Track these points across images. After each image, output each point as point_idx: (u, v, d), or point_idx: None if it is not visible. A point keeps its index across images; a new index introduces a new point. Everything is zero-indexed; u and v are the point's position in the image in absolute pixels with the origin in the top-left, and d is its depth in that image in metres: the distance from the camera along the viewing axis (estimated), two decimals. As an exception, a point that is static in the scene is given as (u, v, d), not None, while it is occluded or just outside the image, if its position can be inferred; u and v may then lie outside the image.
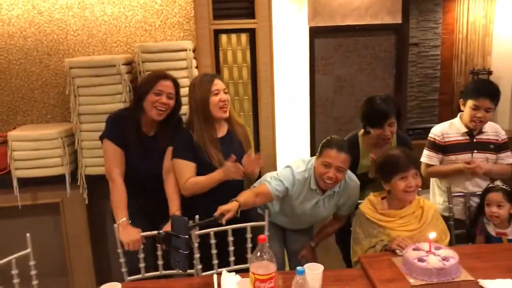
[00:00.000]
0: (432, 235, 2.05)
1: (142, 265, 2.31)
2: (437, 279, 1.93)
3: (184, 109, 2.61)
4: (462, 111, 2.70)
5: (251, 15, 2.97)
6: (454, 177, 2.71)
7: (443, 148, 2.69)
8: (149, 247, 2.38)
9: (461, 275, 1.97)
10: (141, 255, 2.30)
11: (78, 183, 2.91)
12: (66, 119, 3.15)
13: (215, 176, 2.40)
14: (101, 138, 2.49)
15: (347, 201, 2.55)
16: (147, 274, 2.31)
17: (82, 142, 2.88)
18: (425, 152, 2.75)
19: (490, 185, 2.47)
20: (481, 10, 5.72)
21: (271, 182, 2.45)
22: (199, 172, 2.44)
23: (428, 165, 2.74)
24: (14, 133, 2.86)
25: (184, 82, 2.82)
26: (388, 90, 3.08)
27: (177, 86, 2.49)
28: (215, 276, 1.99)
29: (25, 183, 2.88)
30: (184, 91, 2.61)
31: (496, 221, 2.40)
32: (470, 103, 2.60)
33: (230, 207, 2.20)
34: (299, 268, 1.73)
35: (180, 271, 2.08)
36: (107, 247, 3.29)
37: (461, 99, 2.68)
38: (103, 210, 3.18)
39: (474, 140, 2.66)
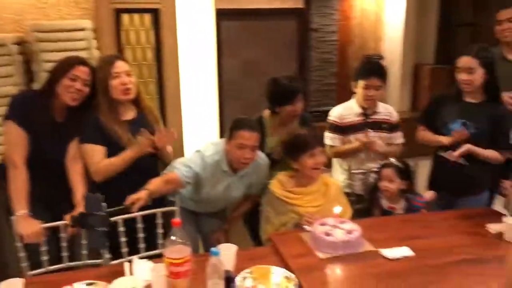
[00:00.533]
0: (338, 209, 2.17)
1: (45, 258, 2.18)
2: (343, 251, 2.05)
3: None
4: (355, 93, 2.86)
5: (154, -6, 2.88)
6: (354, 156, 2.87)
7: (342, 129, 2.84)
8: (52, 238, 2.24)
9: (364, 246, 2.11)
10: (44, 248, 2.17)
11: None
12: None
13: (128, 154, 2.34)
14: (5, 119, 2.27)
15: (258, 180, 2.60)
16: (51, 267, 2.19)
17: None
18: (327, 134, 2.88)
19: (385, 162, 2.65)
20: (373, -3, 6.07)
21: (180, 168, 2.42)
22: (110, 156, 2.36)
23: (331, 146, 2.88)
24: None
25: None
26: (292, 74, 3.14)
27: (94, 73, 2.35)
28: (126, 264, 1.93)
29: None
30: None
31: (387, 195, 2.59)
32: (361, 83, 2.76)
33: (140, 196, 2.16)
34: (213, 249, 1.74)
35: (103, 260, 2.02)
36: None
37: (353, 81, 2.84)
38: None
39: (369, 120, 2.83)
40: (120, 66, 2.35)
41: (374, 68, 2.83)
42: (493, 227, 2.26)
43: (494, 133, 2.48)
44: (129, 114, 2.45)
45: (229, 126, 2.45)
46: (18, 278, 1.79)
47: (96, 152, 2.35)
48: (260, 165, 2.57)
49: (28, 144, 2.27)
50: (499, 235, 2.20)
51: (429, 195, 2.66)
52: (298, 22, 3.37)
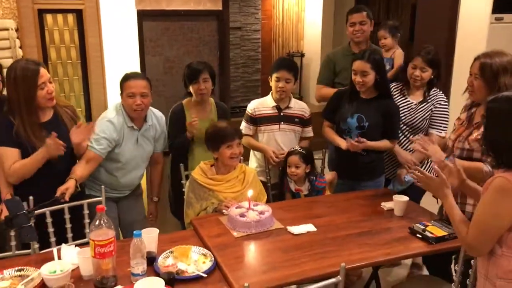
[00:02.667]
0: (250, 192, 2.43)
1: None
2: (255, 229, 2.31)
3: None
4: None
5: (77, -5, 2.99)
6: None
7: (255, 120, 3.10)
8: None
9: (274, 225, 2.38)
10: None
11: None
12: None
13: (38, 154, 2.39)
14: None
15: (161, 133, 2.87)
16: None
17: None
18: (243, 124, 3.14)
19: (290, 150, 2.94)
20: (293, -2, 6.42)
21: (93, 145, 2.59)
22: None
23: (245, 135, 3.12)
24: None
25: (8, 62, 2.74)
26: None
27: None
28: (54, 249, 2.06)
29: None
30: None
31: (295, 179, 2.88)
32: (273, 77, 3.03)
33: (68, 185, 2.30)
34: (136, 231, 1.93)
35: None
36: None
37: (269, 77, 3.11)
38: None
39: (281, 114, 3.11)
40: (44, 75, 2.40)
41: (283, 63, 3.13)
42: (386, 205, 2.62)
43: (385, 125, 2.84)
44: (46, 115, 2.52)
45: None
46: None
47: (9, 155, 2.39)
48: (159, 118, 2.86)
49: None
50: (391, 211, 2.57)
51: (330, 176, 2.98)
52: (218, 22, 3.58)
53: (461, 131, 2.38)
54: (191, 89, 2.95)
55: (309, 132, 3.21)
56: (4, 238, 2.40)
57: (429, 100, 2.93)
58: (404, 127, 2.97)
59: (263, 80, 6.18)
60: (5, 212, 2.14)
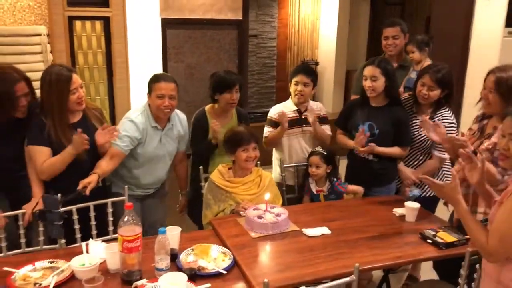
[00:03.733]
0: (267, 195, 2.54)
1: (3, 244, 2.39)
2: (272, 231, 2.42)
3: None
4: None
5: (105, 3, 3.14)
6: (287, 151, 3.26)
7: (276, 123, 3.21)
8: (11, 226, 2.46)
9: (290, 227, 2.49)
10: (2, 235, 2.38)
11: None
12: None
13: (66, 151, 2.52)
14: None
15: (183, 132, 3.01)
16: (9, 252, 2.40)
17: None
18: (265, 129, 3.27)
19: (312, 150, 3.06)
20: (309, 7, 6.54)
21: (117, 142, 2.71)
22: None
23: (265, 137, 3.25)
24: None
25: (39, 66, 2.90)
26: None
27: (29, 84, 2.56)
28: (83, 244, 2.19)
29: None
30: (38, 75, 2.67)
31: (316, 179, 3.00)
32: (292, 81, 3.17)
33: (90, 179, 2.44)
34: (161, 228, 2.05)
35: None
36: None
37: (289, 82, 3.24)
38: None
39: (303, 117, 3.22)
40: (76, 81, 2.54)
41: (301, 67, 3.31)
42: (397, 211, 2.71)
43: (396, 133, 2.93)
44: (76, 117, 2.66)
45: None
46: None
47: (41, 153, 2.53)
48: (181, 119, 3.00)
49: None
50: (402, 217, 2.66)
51: (356, 188, 3.05)
52: (237, 31, 3.71)
53: (472, 142, 2.47)
54: (220, 97, 3.05)
55: (327, 129, 3.31)
56: (33, 232, 2.53)
57: (434, 120, 2.79)
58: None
59: (278, 87, 6.30)
60: (40, 206, 2.29)
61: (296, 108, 3.22)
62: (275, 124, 3.22)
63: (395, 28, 3.50)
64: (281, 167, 3.23)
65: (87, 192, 2.40)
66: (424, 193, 2.98)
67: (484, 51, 4.46)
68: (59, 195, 2.28)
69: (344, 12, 6.30)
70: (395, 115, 2.92)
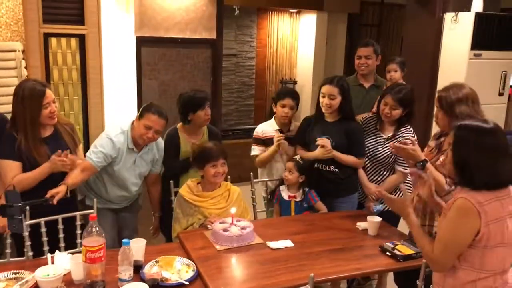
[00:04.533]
0: (233, 209, 2.61)
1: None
2: (237, 243, 2.48)
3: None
4: (275, 113, 3.37)
5: (81, 21, 3.22)
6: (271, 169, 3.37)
7: (263, 141, 3.33)
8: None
9: (254, 240, 2.55)
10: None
11: None
12: None
13: (44, 169, 2.57)
14: None
15: (159, 158, 3.08)
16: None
17: None
18: (252, 146, 3.37)
19: (292, 158, 3.17)
20: (288, 28, 6.70)
21: (91, 156, 2.79)
22: (26, 171, 2.59)
23: (256, 156, 3.34)
24: None
25: (13, 81, 2.96)
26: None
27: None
28: (49, 255, 2.23)
29: None
30: (12, 89, 2.70)
31: (288, 183, 3.09)
32: (279, 104, 3.29)
33: (59, 190, 2.49)
34: (124, 240, 2.10)
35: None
36: None
37: (273, 103, 3.36)
38: None
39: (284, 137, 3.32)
40: (49, 96, 2.60)
41: (288, 91, 3.50)
42: (361, 225, 2.80)
43: (350, 144, 3.05)
44: (47, 131, 2.70)
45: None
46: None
47: (11, 167, 2.57)
48: (158, 143, 3.06)
49: None
50: (365, 231, 2.74)
51: (321, 205, 3.12)
52: (211, 50, 3.81)
53: (430, 158, 2.58)
54: (194, 116, 3.11)
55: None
56: (1, 245, 2.55)
57: (397, 137, 2.97)
58: (370, 161, 3.11)
59: (256, 105, 6.41)
60: (2, 201, 2.32)
61: (278, 128, 3.33)
62: (263, 142, 3.32)
63: (368, 48, 3.64)
64: (251, 182, 3.31)
65: (55, 201, 2.44)
66: (388, 208, 3.06)
67: (452, 70, 4.64)
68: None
69: (321, 33, 6.45)
70: (348, 128, 3.06)
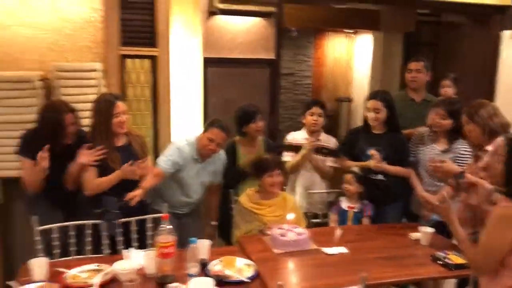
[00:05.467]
0: (290, 215, 2.79)
1: (57, 251, 2.73)
2: (294, 248, 2.65)
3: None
4: (304, 124, 3.57)
5: (153, 44, 3.55)
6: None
7: (294, 148, 3.52)
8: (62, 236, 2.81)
9: (310, 245, 2.71)
10: (56, 243, 2.73)
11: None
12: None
13: (115, 176, 2.89)
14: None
15: (220, 168, 3.31)
16: (61, 259, 2.73)
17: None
18: (284, 153, 3.57)
19: (349, 170, 3.34)
20: (344, 48, 6.87)
21: (161, 163, 3.08)
22: (99, 175, 2.92)
23: (287, 162, 3.51)
24: None
25: (93, 98, 3.31)
26: (264, 112, 3.77)
27: (75, 114, 2.98)
28: (124, 251, 2.51)
29: None
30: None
31: (348, 195, 3.24)
32: (307, 113, 3.51)
33: (136, 193, 2.76)
34: (192, 238, 2.33)
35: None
36: (15, 242, 3.58)
37: (302, 116, 3.58)
38: (18, 211, 3.51)
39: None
40: (120, 106, 2.94)
41: (316, 101, 3.75)
42: (413, 235, 2.89)
43: (397, 156, 3.18)
44: (120, 141, 3.02)
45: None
46: (43, 258, 2.36)
47: (89, 173, 2.90)
48: (221, 157, 3.31)
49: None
50: (418, 241, 2.83)
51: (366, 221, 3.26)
52: (270, 69, 4.05)
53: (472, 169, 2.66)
54: (247, 128, 3.37)
55: (330, 161, 3.56)
56: (82, 243, 2.86)
57: (452, 151, 3.10)
58: (426, 172, 3.18)
59: (312, 122, 6.57)
60: None
61: (307, 136, 3.51)
62: (290, 147, 3.53)
63: (419, 63, 3.76)
64: (307, 193, 3.47)
65: (133, 203, 2.72)
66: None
67: (511, 89, 4.61)
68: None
69: (377, 52, 6.56)
70: (395, 140, 3.20)
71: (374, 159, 3.15)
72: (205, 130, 3.14)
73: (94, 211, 2.63)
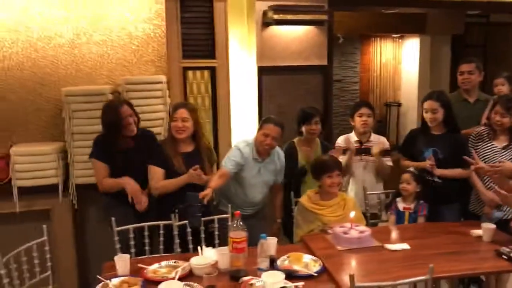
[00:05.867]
0: (352, 213, 2.89)
1: (132, 250, 2.93)
2: (356, 245, 2.74)
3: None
4: (354, 126, 3.71)
5: (212, 56, 3.76)
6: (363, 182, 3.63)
7: (344, 151, 3.63)
8: (138, 236, 3.02)
9: (373, 243, 2.80)
10: (132, 242, 2.94)
11: (70, 191, 3.50)
12: (55, 138, 3.69)
13: (181, 180, 3.12)
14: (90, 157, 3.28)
15: (280, 167, 3.45)
16: (137, 257, 2.92)
17: (74, 156, 3.48)
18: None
19: (406, 170, 3.40)
20: (391, 52, 6.91)
21: (226, 164, 3.24)
22: (166, 176, 3.17)
23: None
24: (16, 149, 3.41)
25: (160, 108, 3.55)
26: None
27: (131, 106, 3.23)
28: (199, 248, 2.68)
29: (22, 192, 3.42)
30: (160, 115, 3.48)
31: (406, 195, 3.29)
32: (356, 115, 3.64)
33: (206, 192, 2.92)
34: (262, 234, 2.48)
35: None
36: (88, 248, 3.85)
37: (350, 118, 3.72)
38: (91, 215, 3.80)
39: (363, 147, 3.63)
40: (180, 113, 3.18)
41: (363, 102, 3.97)
42: (475, 232, 2.92)
43: (456, 157, 3.18)
44: (188, 147, 3.26)
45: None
46: (126, 255, 2.57)
47: (157, 174, 3.15)
48: (280, 155, 3.46)
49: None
50: (479, 238, 2.87)
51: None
52: (322, 75, 4.17)
53: None
54: (303, 128, 3.55)
55: (388, 161, 3.66)
56: (154, 243, 3.06)
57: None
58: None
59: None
60: None
61: (357, 139, 3.60)
62: (343, 151, 3.63)
63: (470, 64, 3.79)
64: (365, 193, 3.55)
65: (205, 201, 2.90)
66: (506, 216, 3.15)
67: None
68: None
69: (425, 56, 6.58)
70: (454, 141, 3.23)
71: (429, 164, 3.20)
72: (260, 128, 3.31)
73: (179, 206, 2.81)
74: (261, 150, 3.31)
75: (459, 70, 3.86)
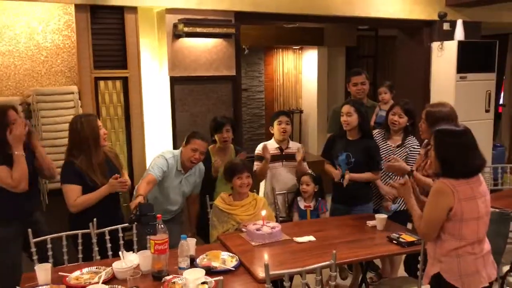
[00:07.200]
0: (264, 212, 3.14)
1: (65, 257, 2.95)
2: (269, 240, 3.00)
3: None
4: (273, 134, 3.93)
5: (124, 66, 3.84)
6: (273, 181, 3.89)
7: (263, 158, 3.81)
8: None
9: (283, 237, 3.07)
10: (50, 253, 2.93)
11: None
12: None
13: (103, 191, 3.09)
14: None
15: (199, 180, 3.62)
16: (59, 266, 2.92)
17: None
18: (255, 163, 3.88)
19: (304, 172, 3.73)
20: (292, 63, 7.37)
21: (154, 171, 3.31)
22: (84, 192, 3.09)
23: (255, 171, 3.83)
24: None
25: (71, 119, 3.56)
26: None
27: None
28: (120, 253, 2.76)
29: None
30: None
31: (305, 196, 3.63)
32: (275, 122, 3.85)
33: (140, 199, 2.97)
34: (182, 235, 2.63)
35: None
36: None
37: (270, 126, 3.94)
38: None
39: (283, 153, 3.88)
40: (99, 121, 3.19)
41: (281, 111, 4.22)
42: (370, 223, 3.32)
43: (368, 160, 3.54)
44: (100, 157, 3.18)
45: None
46: (47, 263, 2.58)
47: (74, 190, 3.05)
48: (201, 169, 3.61)
49: None
50: (375, 227, 3.26)
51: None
52: (232, 85, 4.40)
53: (420, 162, 3.13)
54: (216, 137, 3.74)
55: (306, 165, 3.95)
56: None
57: (405, 145, 3.55)
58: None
59: (267, 134, 6.99)
60: None
61: (277, 145, 3.88)
62: (259, 157, 3.85)
63: (361, 76, 4.22)
64: (274, 194, 3.84)
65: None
66: (401, 207, 3.61)
67: (442, 92, 5.25)
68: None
69: (322, 65, 7.10)
70: (366, 146, 3.54)
71: (336, 175, 3.52)
72: (187, 143, 3.42)
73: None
74: (188, 165, 3.44)
75: (352, 82, 4.22)
